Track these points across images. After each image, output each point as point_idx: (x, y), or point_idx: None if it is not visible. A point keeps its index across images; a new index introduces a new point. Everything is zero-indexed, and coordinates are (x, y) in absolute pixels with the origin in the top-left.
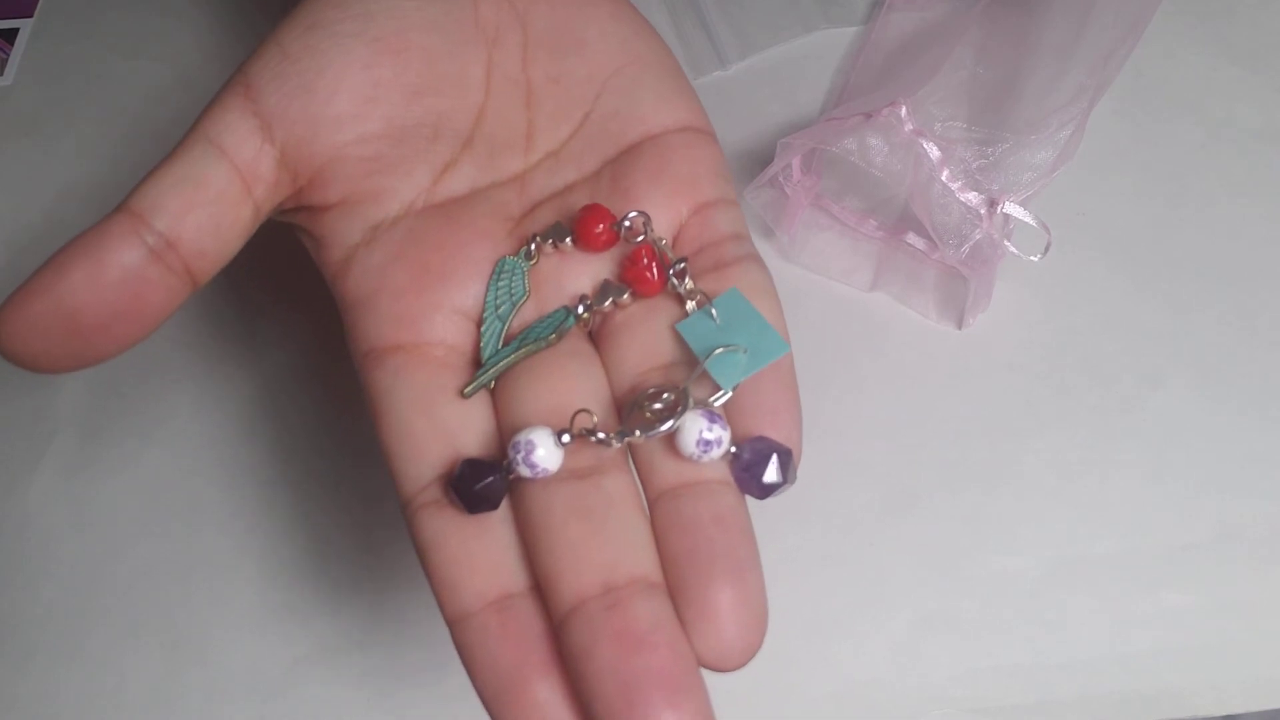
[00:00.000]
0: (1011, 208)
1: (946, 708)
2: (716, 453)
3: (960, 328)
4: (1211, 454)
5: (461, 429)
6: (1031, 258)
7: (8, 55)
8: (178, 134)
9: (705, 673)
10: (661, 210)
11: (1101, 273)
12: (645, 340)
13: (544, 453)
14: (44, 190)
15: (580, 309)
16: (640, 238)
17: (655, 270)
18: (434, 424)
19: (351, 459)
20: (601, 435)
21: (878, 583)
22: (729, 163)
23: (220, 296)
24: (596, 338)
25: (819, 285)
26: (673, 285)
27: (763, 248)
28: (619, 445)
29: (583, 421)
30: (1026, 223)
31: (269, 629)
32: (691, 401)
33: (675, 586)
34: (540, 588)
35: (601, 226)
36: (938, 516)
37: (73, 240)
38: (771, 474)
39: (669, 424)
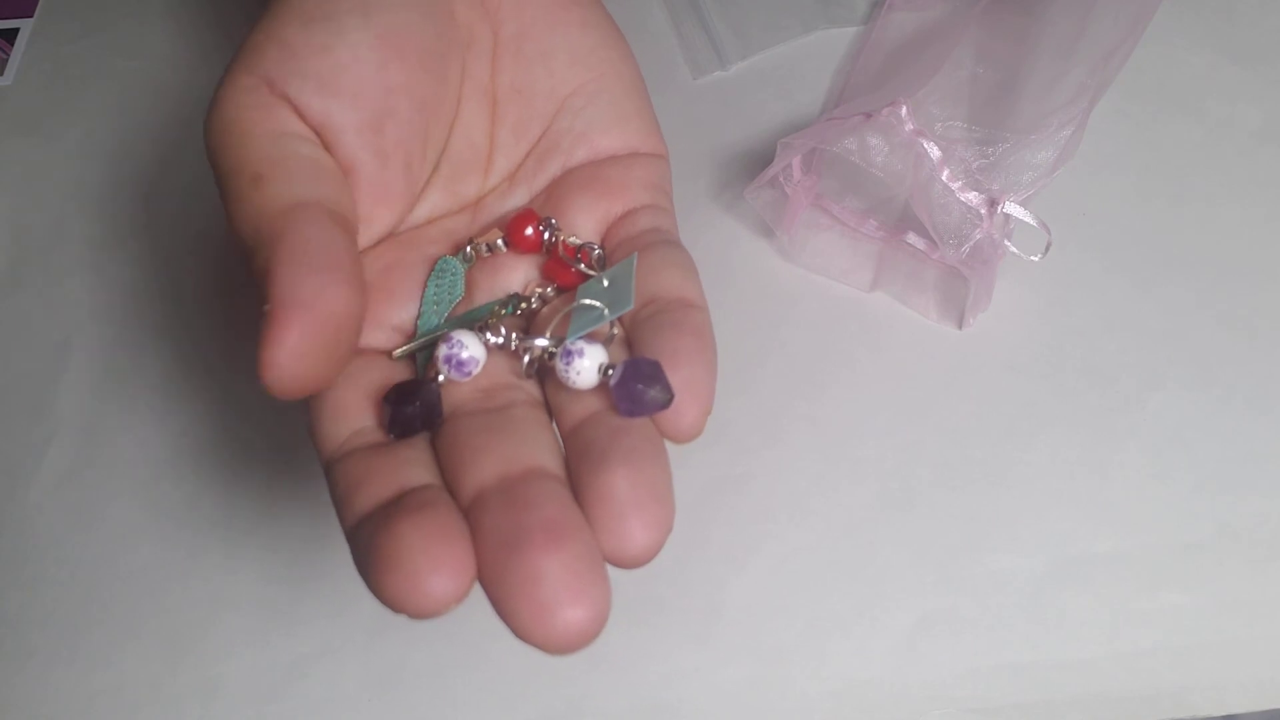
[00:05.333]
0: (1012, 207)
1: (946, 707)
2: (581, 363)
3: (960, 328)
4: (1211, 454)
5: (383, 392)
6: (1032, 257)
7: (8, 55)
8: (178, 134)
9: (695, 671)
10: (588, 214)
11: (1101, 272)
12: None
13: (469, 353)
14: (44, 190)
15: (513, 306)
16: (553, 240)
17: (567, 264)
18: (357, 388)
19: None
20: (489, 336)
21: (877, 582)
22: (730, 163)
23: (219, 297)
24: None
25: (819, 285)
26: (578, 266)
27: (763, 247)
28: (495, 342)
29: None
30: (1027, 222)
31: (268, 629)
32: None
33: (576, 484)
34: (450, 490)
35: (530, 229)
36: (938, 516)
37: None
38: (632, 380)
39: (542, 341)
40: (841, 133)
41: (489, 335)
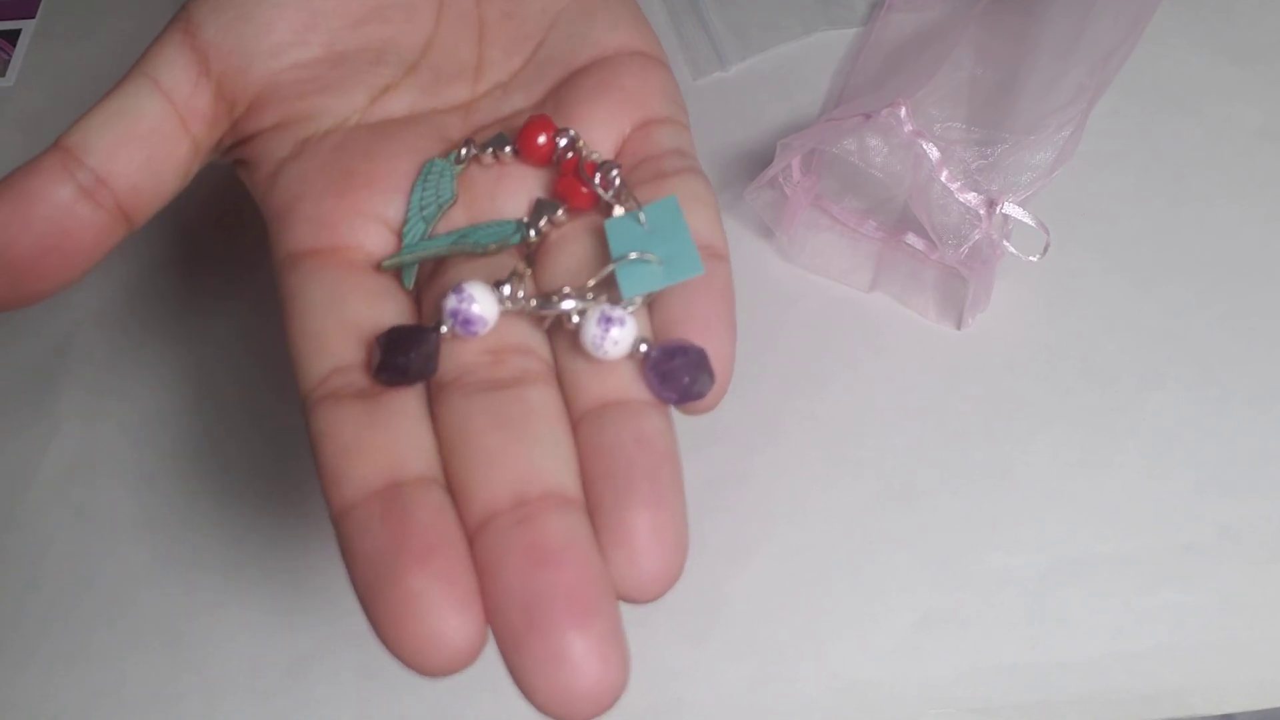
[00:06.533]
0: (1011, 208)
1: (946, 707)
2: (618, 334)
3: (959, 328)
4: (1211, 454)
5: (369, 323)
6: (1030, 258)
7: (9, 56)
8: None
9: (694, 670)
10: (604, 126)
11: (1101, 273)
12: (579, 256)
13: (479, 310)
14: None
15: (532, 232)
16: (570, 153)
17: (586, 183)
18: (339, 317)
19: None
20: (507, 290)
21: (877, 582)
22: (729, 164)
23: (221, 295)
24: (534, 257)
25: (818, 285)
26: (600, 192)
27: (762, 248)
28: (512, 309)
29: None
30: (1025, 223)
31: (270, 628)
32: (602, 298)
33: (593, 509)
34: (455, 500)
35: (544, 137)
36: (937, 516)
37: (3, 178)
38: (680, 372)
39: (570, 303)
40: (841, 133)
41: (506, 289)
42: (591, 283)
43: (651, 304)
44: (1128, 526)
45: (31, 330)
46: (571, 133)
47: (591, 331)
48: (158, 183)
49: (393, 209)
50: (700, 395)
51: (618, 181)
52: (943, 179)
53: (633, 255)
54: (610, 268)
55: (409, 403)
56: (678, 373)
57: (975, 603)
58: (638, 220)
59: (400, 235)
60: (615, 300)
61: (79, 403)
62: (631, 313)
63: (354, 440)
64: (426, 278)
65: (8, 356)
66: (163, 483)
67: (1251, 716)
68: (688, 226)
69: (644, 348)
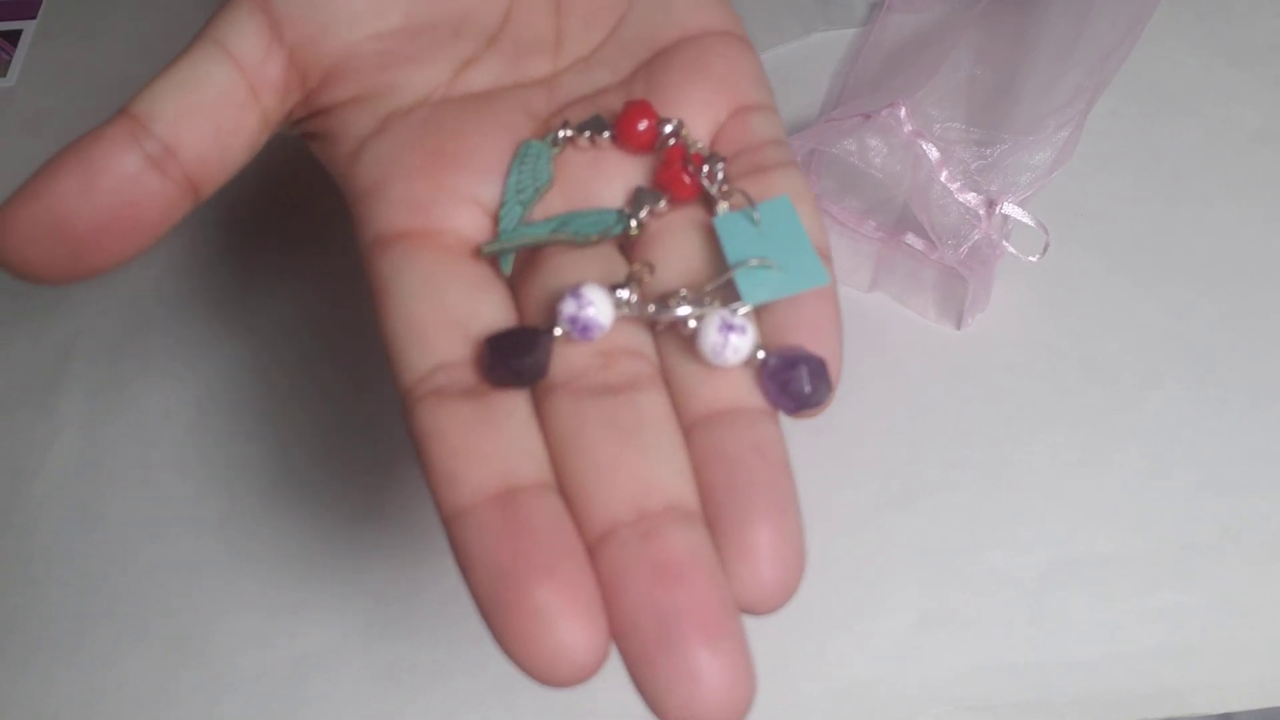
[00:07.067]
0: (1010, 208)
1: (945, 706)
2: (739, 342)
3: (959, 328)
4: (1211, 453)
5: (471, 316)
6: (1030, 258)
7: (11, 57)
8: None
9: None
10: (698, 111)
11: (1100, 273)
12: (686, 253)
13: (596, 315)
14: None
15: (633, 222)
16: (672, 140)
17: (690, 174)
18: (441, 309)
19: (356, 460)
20: (623, 294)
21: (877, 581)
22: None
23: (224, 296)
24: (630, 248)
25: None
26: (705, 184)
27: None
28: (629, 315)
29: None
30: (1025, 223)
31: (272, 629)
32: (716, 303)
33: (711, 520)
34: (570, 508)
35: (645, 123)
36: (937, 515)
37: (68, 145)
38: (802, 382)
39: (686, 308)
40: (840, 134)
41: (623, 293)
42: (710, 287)
43: (759, 307)
44: (1128, 526)
45: (36, 331)
46: (675, 121)
47: (712, 338)
48: (225, 154)
49: (487, 191)
50: (819, 404)
51: (720, 175)
52: (942, 179)
53: (754, 261)
54: (730, 273)
55: (518, 404)
56: (798, 381)
57: (975, 603)
58: (750, 219)
59: (496, 219)
60: (725, 301)
61: (83, 403)
62: (748, 316)
63: (465, 441)
64: (522, 265)
65: (13, 357)
66: (166, 484)
67: (1251, 716)
68: (805, 230)
69: (761, 355)
